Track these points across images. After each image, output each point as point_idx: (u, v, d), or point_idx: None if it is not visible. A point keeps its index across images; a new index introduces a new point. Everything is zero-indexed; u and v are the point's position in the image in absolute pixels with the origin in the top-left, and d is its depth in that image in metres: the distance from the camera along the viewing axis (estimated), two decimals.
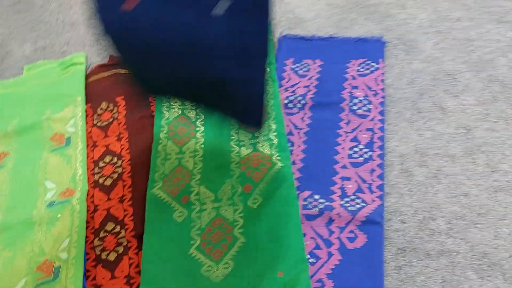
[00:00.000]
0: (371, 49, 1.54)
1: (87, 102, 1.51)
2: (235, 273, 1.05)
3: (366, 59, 1.51)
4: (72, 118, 1.42)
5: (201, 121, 1.41)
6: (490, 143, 1.22)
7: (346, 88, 1.44)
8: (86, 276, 1.09)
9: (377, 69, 1.47)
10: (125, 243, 1.14)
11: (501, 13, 1.57)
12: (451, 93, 1.36)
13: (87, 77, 1.61)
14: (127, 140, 1.38)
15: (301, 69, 1.53)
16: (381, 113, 1.35)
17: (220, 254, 1.09)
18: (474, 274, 1.01)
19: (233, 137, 1.34)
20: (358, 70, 1.48)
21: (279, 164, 1.22)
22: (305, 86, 1.47)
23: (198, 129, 1.39)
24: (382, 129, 1.32)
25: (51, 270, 1.07)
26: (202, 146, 1.33)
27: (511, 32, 1.49)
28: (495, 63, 1.40)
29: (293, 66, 1.55)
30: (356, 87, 1.43)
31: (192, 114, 1.43)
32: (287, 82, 1.50)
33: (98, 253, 1.14)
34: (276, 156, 1.25)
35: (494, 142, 1.22)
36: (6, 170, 1.31)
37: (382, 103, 1.37)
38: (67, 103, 1.49)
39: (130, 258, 1.12)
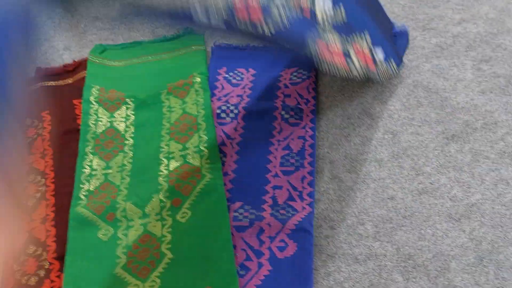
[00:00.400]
0: (303, 58, 1.56)
1: None
2: None
3: (298, 67, 1.53)
4: None
5: (130, 134, 1.37)
6: (415, 147, 1.25)
7: (279, 97, 1.44)
8: None
9: (308, 77, 1.49)
10: (46, 266, 1.09)
11: (426, 20, 1.63)
12: (379, 99, 1.39)
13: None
14: (52, 156, 1.32)
15: (234, 78, 1.52)
16: (312, 121, 1.36)
17: (147, 272, 1.05)
18: (400, 276, 1.03)
19: (162, 149, 1.31)
20: (290, 79, 1.49)
21: (209, 176, 1.21)
22: (238, 95, 1.47)
23: (127, 142, 1.35)
24: (313, 136, 1.32)
25: None
26: (131, 160, 1.29)
27: (435, 38, 1.55)
28: (420, 69, 1.45)
29: (226, 75, 1.54)
30: (288, 96, 1.44)
31: (121, 126, 1.38)
32: (220, 91, 1.49)
33: (17, 277, 1.07)
34: (207, 168, 1.23)
35: (419, 145, 1.25)
36: None
37: (313, 111, 1.39)
38: None
39: (52, 281, 1.06)
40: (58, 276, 1.07)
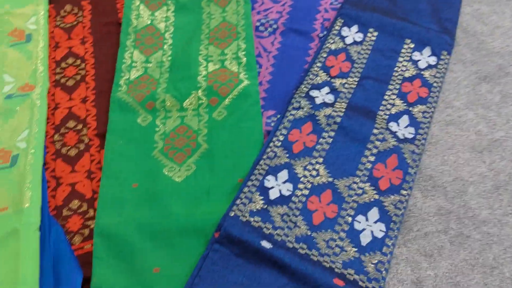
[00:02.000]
0: None
1: (50, 2, 1.43)
2: (196, 176, 1.07)
3: None
4: (33, 16, 1.35)
5: (170, 34, 1.38)
6: (447, 82, 1.28)
7: (318, 19, 1.45)
8: (45, 168, 1.08)
9: None
10: (86, 141, 1.14)
11: None
12: None
13: None
14: (92, 44, 1.34)
15: None
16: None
17: (183, 158, 1.11)
18: (419, 193, 1.09)
19: (201, 52, 1.33)
20: (331, 3, 1.49)
21: (246, 82, 1.24)
22: (278, 12, 1.47)
23: (166, 41, 1.36)
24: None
25: (9, 157, 1.05)
26: (169, 58, 1.31)
27: None
28: (460, 11, 1.45)
29: None
30: (327, 20, 1.45)
31: (161, 25, 1.40)
32: (260, 5, 1.49)
33: (58, 147, 1.12)
34: (244, 74, 1.26)
35: (451, 81, 1.29)
36: None
37: None
38: (28, 0, 1.41)
39: (91, 155, 1.12)
40: (98, 151, 1.13)
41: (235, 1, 1.46)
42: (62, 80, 1.26)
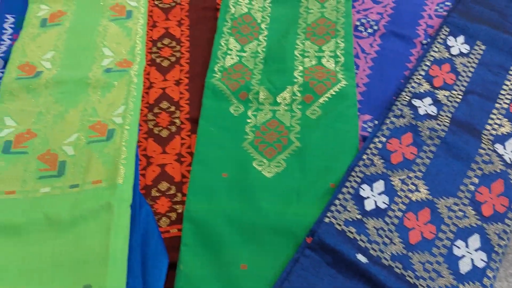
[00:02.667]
0: None
1: None
2: (286, 173, 1.03)
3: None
4: None
5: (266, 25, 1.35)
6: None
7: (421, 25, 1.37)
8: (137, 145, 1.07)
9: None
10: (178, 123, 1.12)
11: None
12: None
13: None
14: (188, 27, 1.32)
15: None
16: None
17: (273, 153, 1.07)
18: None
19: (297, 46, 1.29)
20: (436, 10, 1.41)
21: (344, 82, 1.18)
22: (379, 13, 1.40)
23: (262, 32, 1.33)
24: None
25: (105, 131, 1.05)
26: (264, 49, 1.28)
27: None
28: None
29: None
30: (431, 27, 1.37)
31: (258, 15, 1.36)
32: (360, 4, 1.43)
33: (150, 126, 1.12)
34: (341, 74, 1.20)
35: None
36: (63, 28, 1.26)
37: None
38: None
39: (182, 139, 1.10)
40: (189, 136, 1.11)
41: None
42: (158, 60, 1.25)
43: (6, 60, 1.20)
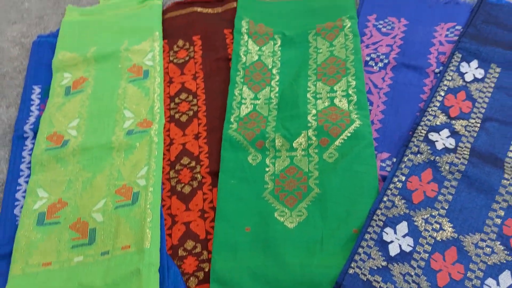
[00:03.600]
0: (462, 13, 1.45)
1: (163, 38, 1.50)
2: (308, 222, 1.05)
3: (456, 23, 1.43)
4: (150, 52, 1.42)
5: (277, 69, 1.38)
6: None
7: (432, 53, 1.37)
8: (162, 205, 1.11)
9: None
10: (199, 178, 1.16)
11: None
12: None
13: (163, 13, 1.60)
14: (203, 79, 1.37)
15: (384, 27, 1.47)
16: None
17: (293, 202, 1.09)
18: None
19: (309, 89, 1.31)
20: (446, 36, 1.41)
21: (358, 122, 1.20)
22: (388, 45, 1.41)
23: (274, 77, 1.36)
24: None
25: (130, 194, 1.09)
26: (277, 95, 1.31)
27: None
28: None
29: (376, 23, 1.48)
30: (443, 53, 1.36)
31: (269, 61, 1.40)
32: (369, 38, 1.45)
33: (173, 184, 1.16)
34: (355, 114, 1.22)
35: None
36: (85, 95, 1.33)
37: None
38: (144, 36, 1.48)
39: (204, 193, 1.13)
40: (210, 190, 1.14)
41: (343, 35, 1.42)
42: (176, 116, 1.30)
43: (35, 131, 1.28)
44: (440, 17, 1.47)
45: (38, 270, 1.00)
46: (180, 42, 1.48)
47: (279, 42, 1.45)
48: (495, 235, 0.99)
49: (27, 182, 1.18)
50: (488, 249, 0.97)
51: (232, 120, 1.25)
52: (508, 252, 0.96)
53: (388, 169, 1.14)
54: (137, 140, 1.20)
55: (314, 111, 1.24)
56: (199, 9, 1.58)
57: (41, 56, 1.49)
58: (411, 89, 1.31)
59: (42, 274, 0.99)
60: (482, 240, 0.98)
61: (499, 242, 0.98)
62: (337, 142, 1.17)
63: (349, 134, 1.17)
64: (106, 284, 0.95)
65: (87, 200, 1.10)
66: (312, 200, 1.08)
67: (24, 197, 1.15)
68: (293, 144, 1.19)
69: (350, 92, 1.27)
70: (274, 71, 1.38)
